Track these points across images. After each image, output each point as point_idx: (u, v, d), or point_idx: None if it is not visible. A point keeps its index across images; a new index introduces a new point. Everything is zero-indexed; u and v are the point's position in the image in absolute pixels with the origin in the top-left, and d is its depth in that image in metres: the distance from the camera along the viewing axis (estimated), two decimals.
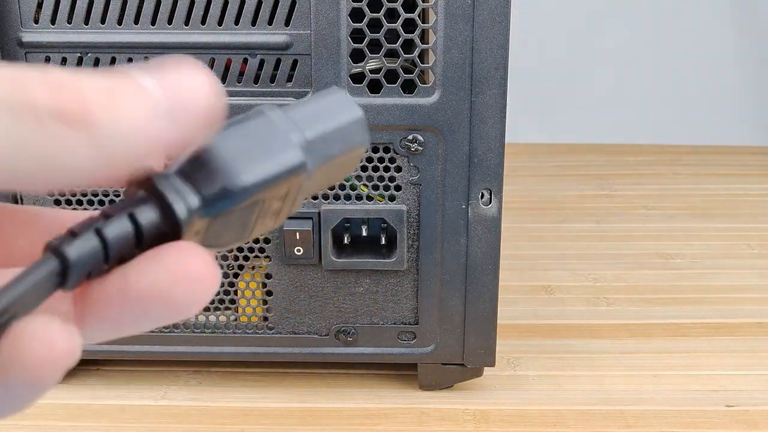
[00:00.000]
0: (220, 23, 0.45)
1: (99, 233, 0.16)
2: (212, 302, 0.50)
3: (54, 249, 0.15)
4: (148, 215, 0.16)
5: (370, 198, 0.47)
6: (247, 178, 0.17)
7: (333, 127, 0.19)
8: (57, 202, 0.48)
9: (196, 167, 0.17)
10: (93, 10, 0.45)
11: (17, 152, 0.13)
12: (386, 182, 0.47)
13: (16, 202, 0.47)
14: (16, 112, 0.13)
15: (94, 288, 0.16)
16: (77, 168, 0.14)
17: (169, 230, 0.16)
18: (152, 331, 0.44)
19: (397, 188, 0.47)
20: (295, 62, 0.45)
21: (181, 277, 0.15)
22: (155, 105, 0.14)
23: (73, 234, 0.15)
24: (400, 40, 0.44)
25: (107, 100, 0.14)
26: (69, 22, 0.45)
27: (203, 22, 0.45)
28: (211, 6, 0.45)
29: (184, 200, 0.16)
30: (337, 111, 0.19)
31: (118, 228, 0.16)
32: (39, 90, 0.13)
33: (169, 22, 0.45)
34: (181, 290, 0.16)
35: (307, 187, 0.18)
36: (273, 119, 0.18)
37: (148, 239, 0.16)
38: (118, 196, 0.47)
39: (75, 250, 0.15)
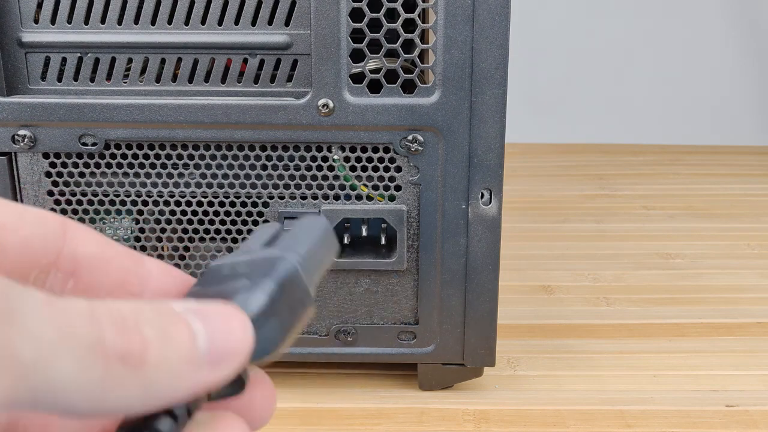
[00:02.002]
0: (220, 23, 0.45)
1: None
2: None
3: None
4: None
5: (370, 198, 0.47)
6: (257, 299, 0.18)
7: (314, 242, 0.20)
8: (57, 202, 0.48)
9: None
10: (93, 10, 0.45)
11: (80, 389, 0.14)
12: (386, 182, 0.47)
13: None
14: (91, 352, 0.14)
15: None
16: (123, 404, 0.14)
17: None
18: None
19: (397, 188, 0.47)
20: (295, 62, 0.45)
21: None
22: (202, 353, 0.16)
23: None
24: (400, 40, 0.44)
25: (162, 342, 0.15)
26: (69, 22, 0.45)
27: (203, 22, 0.45)
28: (211, 6, 0.45)
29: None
30: (312, 228, 0.21)
31: None
32: (108, 330, 0.14)
33: (169, 22, 0.45)
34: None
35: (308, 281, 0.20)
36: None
37: None
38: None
39: None
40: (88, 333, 0.14)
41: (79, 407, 0.14)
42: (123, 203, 0.48)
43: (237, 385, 0.18)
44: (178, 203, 0.48)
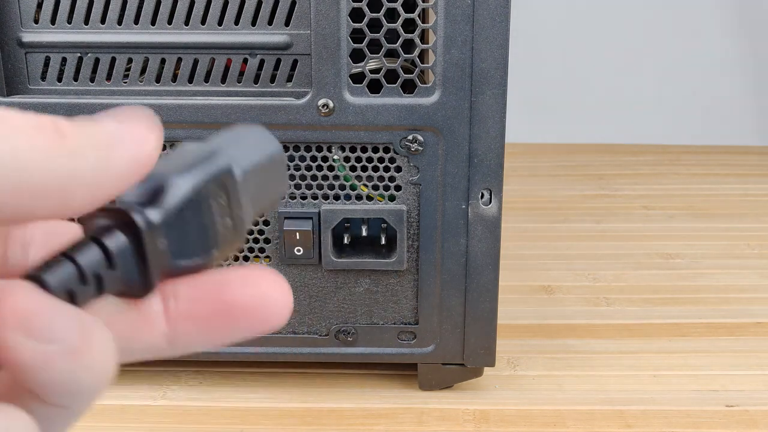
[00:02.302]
0: (220, 23, 0.45)
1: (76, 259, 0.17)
2: None
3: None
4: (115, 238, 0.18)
5: (370, 198, 0.47)
6: (183, 179, 0.19)
7: (250, 143, 0.21)
8: None
9: (143, 188, 0.18)
10: (93, 10, 0.45)
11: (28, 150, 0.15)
12: (386, 182, 0.47)
13: None
14: (34, 126, 0.16)
15: (185, 291, 0.19)
16: (60, 169, 0.16)
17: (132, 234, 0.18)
18: None
19: (397, 188, 0.47)
20: (295, 62, 0.45)
21: (275, 298, 0.19)
22: (114, 134, 0.17)
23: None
24: (400, 40, 0.44)
25: (75, 128, 0.17)
26: (69, 22, 0.45)
27: (203, 22, 0.45)
28: (211, 6, 0.45)
29: (140, 213, 0.18)
30: (259, 142, 0.21)
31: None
32: (18, 115, 0.16)
33: (169, 22, 0.45)
34: (274, 308, 0.19)
35: (244, 196, 0.20)
36: (194, 145, 0.20)
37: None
38: None
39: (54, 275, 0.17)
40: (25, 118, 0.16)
41: (29, 174, 0.15)
42: None
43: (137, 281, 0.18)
44: None
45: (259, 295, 0.19)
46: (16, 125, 0.15)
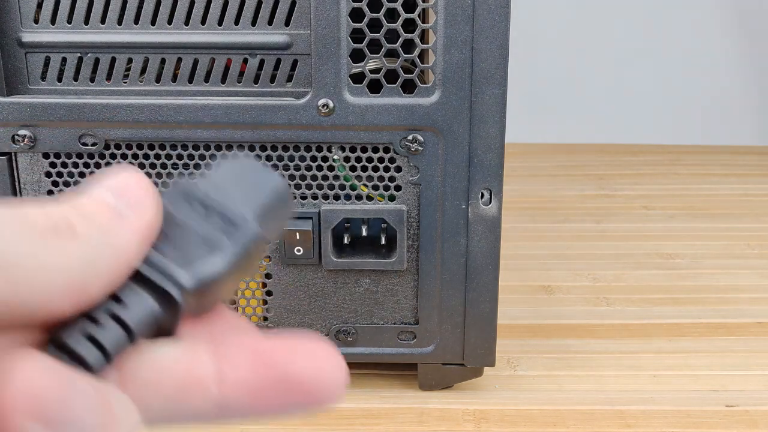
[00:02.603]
0: (220, 23, 0.45)
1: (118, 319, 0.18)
2: None
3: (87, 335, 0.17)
4: (143, 304, 0.18)
5: (370, 198, 0.47)
6: (219, 262, 0.19)
7: (267, 197, 0.21)
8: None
9: (175, 246, 0.19)
10: (93, 10, 0.45)
11: (30, 261, 0.16)
12: (386, 182, 0.47)
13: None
14: (28, 230, 0.16)
15: (243, 358, 0.18)
16: (75, 269, 0.16)
17: (168, 312, 0.18)
18: None
19: (397, 188, 0.47)
20: (295, 62, 0.45)
21: (334, 376, 0.18)
22: (116, 204, 0.18)
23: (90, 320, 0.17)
24: (400, 40, 0.44)
25: (79, 214, 0.17)
26: (69, 22, 0.45)
27: (203, 22, 0.45)
28: (211, 6, 0.45)
29: (173, 282, 0.18)
30: (261, 179, 0.21)
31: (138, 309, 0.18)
32: (38, 216, 0.16)
33: (169, 22, 0.45)
34: (331, 386, 0.18)
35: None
36: (224, 199, 0.20)
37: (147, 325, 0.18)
38: None
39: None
40: (14, 213, 0.16)
41: (36, 295, 0.15)
42: None
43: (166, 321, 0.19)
44: None
45: (318, 371, 0.18)
46: (31, 226, 0.16)
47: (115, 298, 0.18)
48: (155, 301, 0.18)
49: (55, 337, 0.17)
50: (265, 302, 0.50)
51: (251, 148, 0.46)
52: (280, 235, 0.23)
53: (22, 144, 0.46)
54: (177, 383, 0.18)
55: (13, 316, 0.15)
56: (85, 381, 0.15)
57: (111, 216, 0.17)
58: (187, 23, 0.45)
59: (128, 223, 0.17)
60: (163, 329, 0.19)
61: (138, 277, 0.18)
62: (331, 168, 0.47)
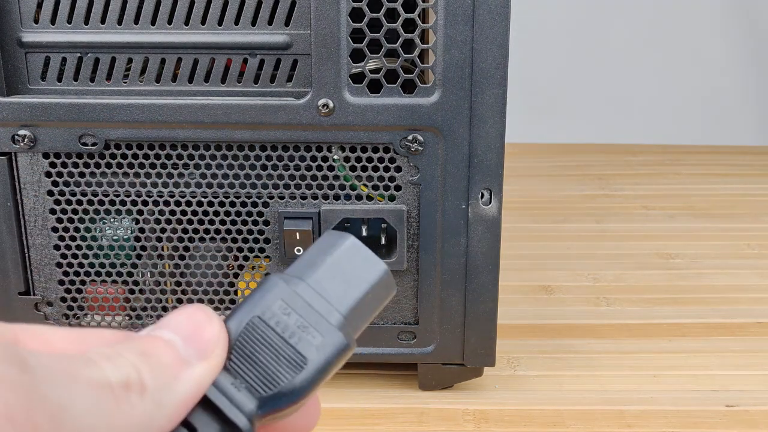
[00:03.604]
0: (220, 23, 0.45)
1: None
2: (212, 303, 0.50)
3: None
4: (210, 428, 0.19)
5: (370, 198, 0.47)
6: (302, 380, 0.19)
7: (363, 293, 0.20)
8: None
9: (246, 367, 0.19)
10: (93, 10, 0.45)
11: (101, 422, 0.16)
12: (386, 182, 0.47)
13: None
14: (100, 389, 0.17)
15: None
16: (146, 425, 0.17)
17: None
18: None
19: (397, 188, 0.47)
20: (295, 62, 0.45)
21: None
22: (185, 352, 0.18)
23: None
24: (400, 40, 0.44)
25: (149, 364, 0.18)
26: (69, 22, 0.45)
27: (203, 22, 0.45)
28: (211, 6, 0.45)
29: (241, 410, 0.19)
30: (361, 270, 0.20)
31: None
32: (107, 367, 0.17)
33: (169, 22, 0.45)
34: None
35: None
36: (309, 302, 0.19)
37: None
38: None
39: None
40: (91, 372, 0.17)
41: None
42: (123, 203, 0.48)
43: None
44: (178, 203, 0.48)
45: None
46: (105, 385, 0.16)
47: (187, 424, 0.18)
48: (224, 430, 0.19)
49: None
50: None
51: (251, 148, 0.46)
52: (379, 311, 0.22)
53: (22, 144, 0.46)
54: None
55: None
56: None
57: (178, 365, 0.18)
58: (187, 23, 0.45)
59: (194, 372, 0.18)
60: None
61: (208, 404, 0.19)
62: (331, 168, 0.47)
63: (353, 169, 0.47)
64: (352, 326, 0.20)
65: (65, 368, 0.16)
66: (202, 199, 0.48)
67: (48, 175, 0.47)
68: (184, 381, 0.18)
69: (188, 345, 0.18)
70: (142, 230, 0.49)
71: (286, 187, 0.47)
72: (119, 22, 0.45)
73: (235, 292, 0.50)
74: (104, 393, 0.16)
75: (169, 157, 0.47)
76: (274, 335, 0.19)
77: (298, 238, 0.47)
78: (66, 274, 0.49)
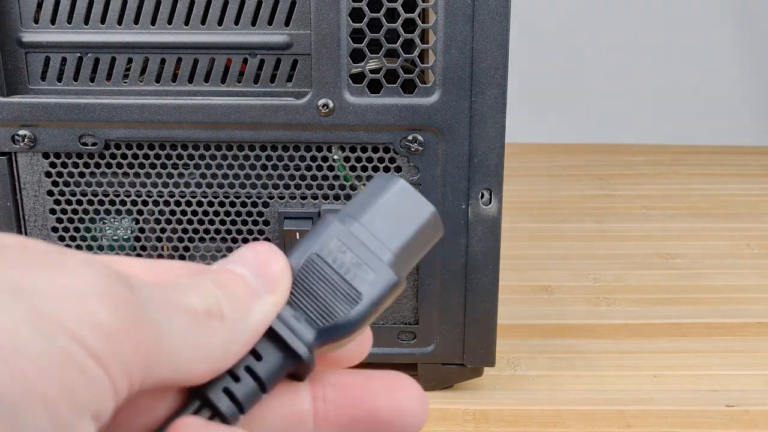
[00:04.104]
0: (220, 23, 0.45)
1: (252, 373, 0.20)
2: None
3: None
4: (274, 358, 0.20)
5: None
6: (357, 313, 0.20)
7: (413, 233, 0.21)
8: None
9: (306, 300, 0.20)
10: (93, 10, 0.45)
11: (189, 346, 0.18)
12: None
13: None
14: (187, 315, 0.18)
15: (333, 395, 0.21)
16: (223, 349, 0.19)
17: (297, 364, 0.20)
18: None
19: None
20: (295, 62, 0.45)
21: (415, 410, 0.21)
22: (255, 285, 0.20)
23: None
24: (400, 40, 0.44)
25: (226, 294, 0.19)
26: (69, 22, 0.45)
27: (203, 22, 0.45)
28: (211, 6, 0.45)
29: (302, 340, 0.20)
30: (411, 211, 0.21)
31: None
32: (191, 295, 0.19)
33: (169, 22, 0.45)
34: (413, 420, 0.20)
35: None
36: (362, 240, 0.21)
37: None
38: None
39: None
40: (180, 299, 0.18)
41: (193, 367, 0.18)
42: (123, 203, 0.48)
43: (294, 362, 0.20)
44: (178, 203, 0.48)
45: (400, 407, 0.20)
46: (191, 312, 0.18)
47: (254, 352, 0.20)
48: (286, 358, 0.20)
49: (200, 391, 0.19)
50: None
51: (251, 148, 0.46)
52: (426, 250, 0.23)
53: (22, 144, 0.46)
54: (281, 419, 0.20)
55: (164, 384, 0.18)
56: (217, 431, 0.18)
57: (250, 297, 0.19)
58: (187, 23, 0.45)
59: (264, 304, 0.19)
60: (295, 376, 0.21)
61: (272, 334, 0.20)
62: (331, 168, 0.47)
63: (353, 169, 0.47)
64: (402, 264, 0.21)
65: (160, 294, 0.18)
66: (202, 199, 0.48)
67: (48, 175, 0.47)
68: (255, 311, 0.19)
69: (258, 278, 0.20)
70: (142, 230, 0.49)
71: (286, 187, 0.47)
72: (119, 22, 0.45)
73: None
74: (192, 318, 0.18)
75: (169, 157, 0.47)
76: (331, 271, 0.20)
77: (298, 238, 0.47)
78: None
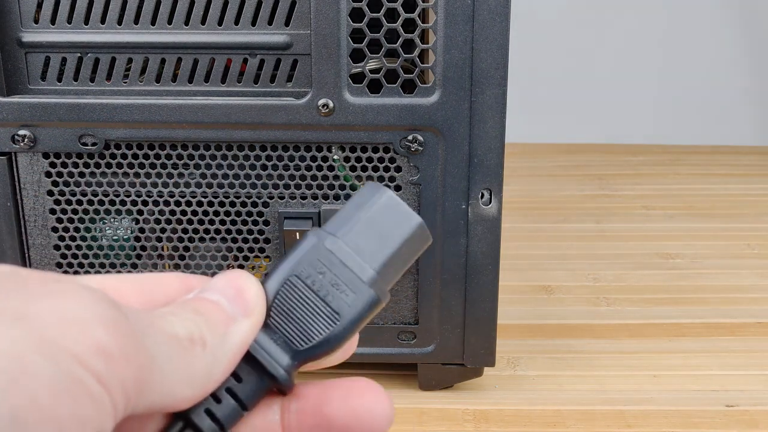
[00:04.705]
0: (220, 23, 0.45)
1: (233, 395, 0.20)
2: None
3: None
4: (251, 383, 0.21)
5: None
6: (335, 333, 0.21)
7: (397, 247, 0.21)
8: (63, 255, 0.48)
9: (284, 323, 0.21)
10: (93, 10, 0.45)
11: (175, 371, 0.18)
12: (386, 182, 0.47)
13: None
14: (173, 341, 0.19)
15: (294, 405, 0.22)
16: (207, 374, 0.19)
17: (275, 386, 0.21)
18: None
19: (397, 188, 0.47)
20: (295, 62, 0.45)
21: (372, 412, 0.21)
22: (231, 311, 0.20)
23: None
24: (400, 40, 0.44)
25: (205, 322, 0.20)
26: (69, 22, 0.45)
27: (203, 22, 0.45)
28: (211, 6, 0.45)
29: (278, 363, 0.21)
30: (396, 224, 0.21)
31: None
32: (175, 323, 0.19)
33: (169, 22, 0.45)
34: (370, 422, 0.21)
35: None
36: (342, 260, 0.21)
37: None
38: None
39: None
40: (165, 326, 0.19)
41: (179, 392, 0.18)
42: (123, 203, 0.48)
43: (270, 380, 0.21)
44: (178, 203, 0.48)
45: (355, 412, 0.21)
46: (176, 338, 0.19)
47: (234, 375, 0.20)
48: (264, 379, 0.21)
49: (183, 413, 0.20)
50: None
51: (251, 148, 0.46)
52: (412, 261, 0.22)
53: (22, 144, 0.46)
54: (254, 429, 0.21)
55: (152, 409, 0.18)
56: None
57: (228, 322, 0.20)
58: (187, 23, 0.45)
59: (241, 328, 0.20)
60: (278, 391, 0.21)
61: (251, 358, 0.20)
62: (331, 168, 0.47)
63: (353, 169, 0.47)
64: (384, 280, 0.21)
65: (147, 321, 0.18)
66: (202, 199, 0.48)
67: (48, 175, 0.47)
68: (233, 335, 0.20)
69: (233, 304, 0.20)
70: (142, 230, 0.49)
71: (286, 187, 0.47)
72: (119, 22, 0.45)
73: None
74: (177, 345, 0.18)
75: (169, 157, 0.47)
76: (309, 293, 0.21)
77: (298, 238, 0.47)
78: (66, 274, 0.49)
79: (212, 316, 0.20)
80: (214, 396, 0.20)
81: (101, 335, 0.16)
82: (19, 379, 0.15)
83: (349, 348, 0.22)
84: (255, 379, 0.20)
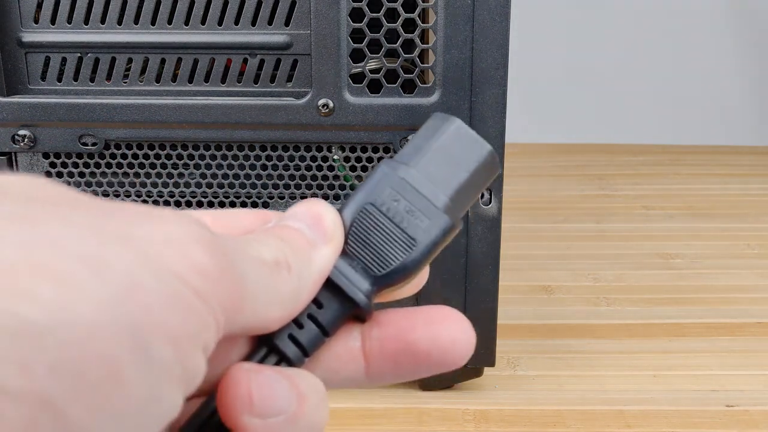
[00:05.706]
0: (220, 23, 0.45)
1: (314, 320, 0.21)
2: None
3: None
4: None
5: None
6: (412, 259, 0.21)
7: (468, 174, 0.22)
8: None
9: (362, 250, 0.21)
10: (93, 10, 0.45)
11: (266, 292, 0.19)
12: None
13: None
14: (262, 265, 0.19)
15: (377, 332, 0.22)
16: (293, 297, 0.20)
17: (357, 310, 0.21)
18: None
19: None
20: (295, 62, 0.45)
21: (453, 339, 0.21)
22: (313, 237, 0.21)
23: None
24: (400, 40, 0.44)
25: (289, 247, 0.20)
26: (69, 22, 0.45)
27: (203, 22, 0.45)
28: (211, 6, 0.45)
29: (358, 288, 0.21)
30: (467, 152, 0.22)
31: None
32: (262, 248, 0.19)
33: (169, 22, 0.45)
34: (452, 350, 0.21)
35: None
36: (416, 187, 0.21)
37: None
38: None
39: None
40: (252, 250, 0.19)
41: (270, 314, 0.19)
42: None
43: (349, 304, 0.21)
44: (178, 203, 0.48)
45: (436, 338, 0.21)
46: (265, 263, 0.19)
47: (315, 301, 0.21)
48: (345, 305, 0.21)
49: (267, 339, 0.20)
50: None
51: (251, 148, 0.46)
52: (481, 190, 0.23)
53: (22, 144, 0.46)
54: (336, 356, 0.22)
55: (244, 330, 0.19)
56: (281, 375, 0.19)
57: (309, 248, 0.20)
58: (187, 23, 0.45)
59: (322, 253, 0.21)
60: (356, 317, 0.22)
61: (331, 284, 0.21)
62: (331, 168, 0.47)
63: (353, 169, 0.47)
64: (457, 207, 0.21)
65: (237, 245, 0.19)
66: (202, 199, 0.48)
67: (48, 175, 0.47)
68: (316, 260, 0.20)
69: (313, 231, 0.21)
70: None
71: (286, 187, 0.47)
72: (119, 22, 0.45)
73: None
74: (266, 268, 0.19)
75: (169, 157, 0.47)
76: (385, 220, 0.21)
77: None
78: None
79: (295, 241, 0.20)
80: (297, 322, 0.20)
81: (200, 255, 0.17)
82: (133, 290, 0.15)
83: (422, 278, 0.23)
84: (336, 305, 0.21)
